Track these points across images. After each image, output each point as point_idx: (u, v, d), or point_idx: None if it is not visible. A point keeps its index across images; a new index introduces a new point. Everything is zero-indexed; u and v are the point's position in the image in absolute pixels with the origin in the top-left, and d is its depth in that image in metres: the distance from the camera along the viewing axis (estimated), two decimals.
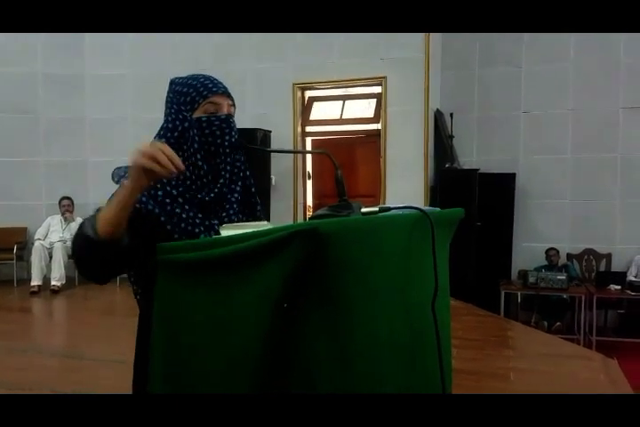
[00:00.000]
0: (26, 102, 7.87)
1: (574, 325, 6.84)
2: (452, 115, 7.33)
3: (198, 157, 1.44)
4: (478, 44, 7.66)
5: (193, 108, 1.45)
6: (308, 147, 7.99)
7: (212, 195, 1.45)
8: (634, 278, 6.91)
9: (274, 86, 7.63)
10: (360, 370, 1.13)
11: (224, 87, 1.49)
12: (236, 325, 1.13)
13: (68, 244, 7.30)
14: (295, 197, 7.70)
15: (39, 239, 7.40)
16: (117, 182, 1.40)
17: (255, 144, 6.15)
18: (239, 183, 1.52)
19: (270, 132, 7.40)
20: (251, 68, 7.68)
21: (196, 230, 1.40)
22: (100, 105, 8.00)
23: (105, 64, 7.97)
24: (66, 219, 7.50)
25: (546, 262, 7.33)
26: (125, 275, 1.46)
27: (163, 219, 1.38)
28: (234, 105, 1.51)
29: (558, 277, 6.77)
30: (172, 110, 1.47)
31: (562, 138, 7.48)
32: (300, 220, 7.48)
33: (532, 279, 6.85)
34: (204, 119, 1.45)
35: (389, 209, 1.24)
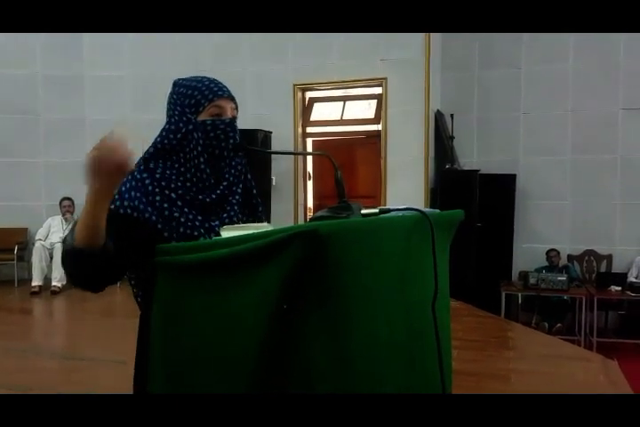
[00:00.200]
0: (26, 103, 7.87)
1: (575, 326, 6.84)
2: (452, 116, 7.33)
3: (201, 160, 1.44)
4: (478, 45, 7.66)
5: (197, 110, 1.45)
6: (309, 148, 7.99)
7: (214, 196, 1.45)
8: (634, 279, 6.91)
9: (274, 87, 7.63)
10: (360, 370, 1.13)
11: (228, 91, 1.49)
12: (236, 325, 1.13)
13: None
14: (296, 198, 7.70)
15: (40, 240, 7.41)
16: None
17: (256, 145, 6.14)
18: (240, 185, 1.52)
19: (271, 133, 7.40)
20: (251, 69, 7.68)
21: (196, 233, 1.40)
22: (100, 106, 8.00)
23: (104, 65, 7.97)
24: (66, 219, 7.50)
25: (546, 263, 7.32)
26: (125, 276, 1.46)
27: (159, 226, 1.38)
28: (237, 108, 1.51)
29: (559, 278, 6.76)
30: (176, 112, 1.47)
31: (562, 139, 7.48)
32: (300, 221, 7.48)
33: (532, 280, 6.84)
34: (208, 122, 1.45)
35: (389, 211, 1.25)
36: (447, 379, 1.27)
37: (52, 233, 7.50)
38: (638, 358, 6.07)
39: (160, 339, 1.25)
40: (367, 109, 7.77)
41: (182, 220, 1.40)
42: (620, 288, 6.74)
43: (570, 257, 7.50)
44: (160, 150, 1.46)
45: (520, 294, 7.04)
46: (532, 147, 7.59)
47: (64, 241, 1.29)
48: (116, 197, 1.36)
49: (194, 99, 1.45)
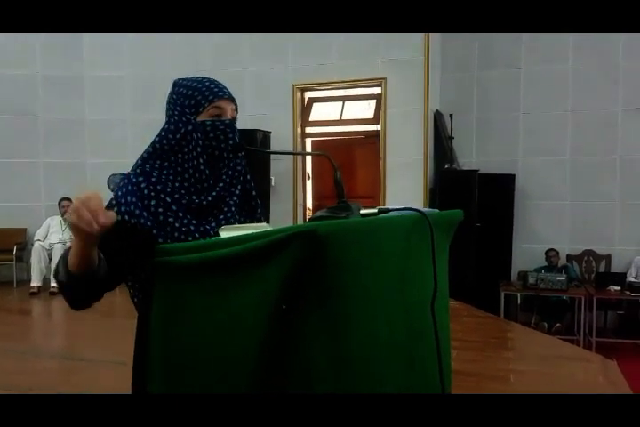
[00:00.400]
0: (25, 104, 7.87)
1: (574, 326, 6.84)
2: (451, 116, 7.33)
3: (201, 160, 1.44)
4: (477, 45, 7.66)
5: (197, 111, 1.45)
6: (308, 148, 7.99)
7: (210, 198, 1.44)
8: (633, 279, 6.91)
9: (273, 87, 7.63)
10: (359, 370, 1.13)
11: (229, 92, 1.49)
12: (236, 326, 1.13)
13: (68, 244, 7.27)
14: (295, 198, 7.70)
15: (39, 240, 7.40)
16: (113, 190, 1.40)
17: (255, 145, 6.14)
18: (239, 187, 1.51)
19: (270, 133, 7.41)
20: (250, 69, 7.68)
21: (190, 238, 1.39)
22: (100, 106, 8.00)
23: (104, 65, 7.97)
24: (65, 220, 7.48)
25: (545, 263, 7.33)
26: None
27: (155, 231, 1.37)
28: (237, 109, 1.51)
29: (558, 278, 6.77)
30: (176, 112, 1.46)
31: (561, 139, 7.49)
32: (299, 221, 7.48)
33: (531, 280, 6.84)
34: (208, 123, 1.44)
35: (388, 211, 1.25)
36: (446, 379, 1.27)
37: (50, 233, 7.49)
38: (637, 358, 6.08)
39: (160, 339, 1.25)
40: (366, 109, 7.77)
41: (177, 225, 1.39)
42: (619, 288, 6.75)
43: (569, 257, 7.51)
44: (159, 150, 1.45)
45: (519, 294, 7.05)
46: (531, 147, 7.60)
47: (56, 273, 1.30)
48: (113, 202, 1.36)
49: (194, 99, 1.45)
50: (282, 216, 7.25)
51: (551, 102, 7.51)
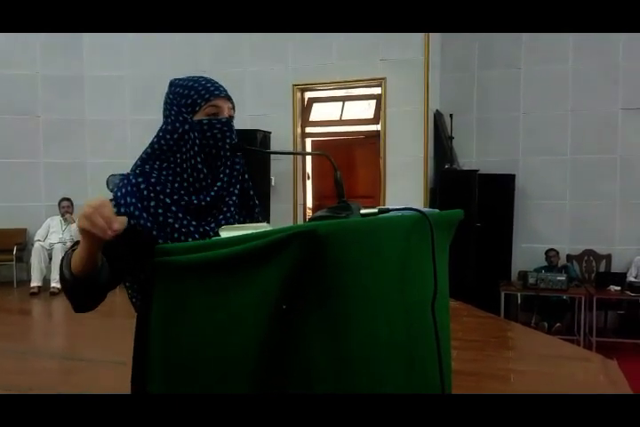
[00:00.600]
0: (25, 104, 7.87)
1: (574, 326, 6.84)
2: (451, 116, 7.34)
3: (198, 159, 1.44)
4: (477, 45, 7.66)
5: (194, 110, 1.45)
6: (308, 148, 7.99)
7: (209, 198, 1.44)
8: (633, 279, 6.91)
9: (273, 87, 7.63)
10: (359, 370, 1.13)
11: (225, 90, 1.49)
12: (236, 325, 1.13)
13: (68, 245, 7.29)
14: (295, 198, 7.70)
15: (39, 241, 7.40)
16: (112, 190, 1.40)
17: (255, 145, 6.15)
18: (237, 186, 1.51)
19: (270, 133, 7.40)
20: (250, 70, 7.68)
21: (190, 239, 1.39)
22: (100, 106, 8.01)
23: (104, 66, 7.97)
24: (65, 220, 7.50)
25: (545, 263, 7.33)
26: None
27: (155, 233, 1.37)
28: (234, 108, 1.51)
29: (558, 278, 6.77)
30: (172, 112, 1.46)
31: (561, 139, 7.49)
32: (299, 221, 7.48)
33: (531, 280, 6.85)
34: (205, 122, 1.44)
35: (388, 210, 1.24)
36: (447, 379, 1.27)
37: (50, 234, 7.49)
38: (637, 358, 6.08)
39: (160, 339, 1.25)
40: (366, 110, 7.77)
41: (177, 226, 1.39)
42: (619, 288, 6.75)
43: (569, 257, 7.51)
44: (157, 151, 1.45)
45: (519, 294, 7.05)
46: (531, 147, 7.60)
47: (60, 267, 1.30)
48: (113, 203, 1.36)
49: (190, 98, 1.45)
50: (282, 216, 7.25)
51: (551, 102, 7.51)
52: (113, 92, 8.02)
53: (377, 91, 7.46)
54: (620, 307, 7.09)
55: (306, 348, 1.07)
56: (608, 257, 7.39)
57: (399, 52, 7.10)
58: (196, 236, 1.40)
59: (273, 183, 7.56)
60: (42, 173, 7.95)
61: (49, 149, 7.95)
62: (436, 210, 1.38)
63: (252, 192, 1.58)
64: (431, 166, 7.30)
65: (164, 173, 1.43)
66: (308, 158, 7.94)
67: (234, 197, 1.49)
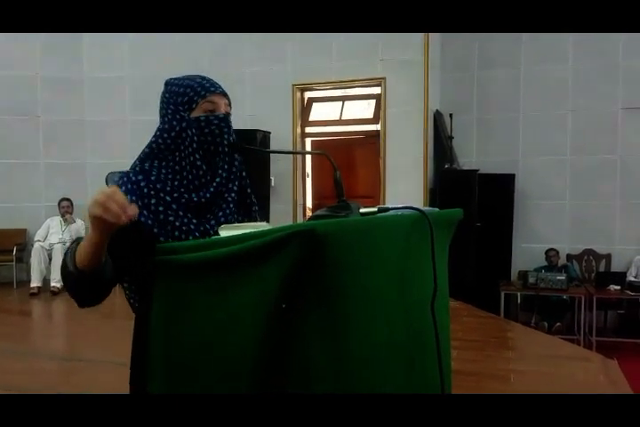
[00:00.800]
0: (25, 105, 7.87)
1: (574, 325, 6.84)
2: (451, 116, 7.33)
3: (197, 156, 1.44)
4: (477, 45, 7.66)
5: (191, 107, 1.45)
6: (308, 148, 7.99)
7: (208, 195, 1.44)
8: (633, 279, 6.91)
9: (273, 87, 7.63)
10: (359, 370, 1.13)
11: (221, 87, 1.49)
12: (235, 325, 1.13)
13: (68, 245, 7.28)
14: (294, 197, 7.70)
15: (39, 241, 7.39)
16: None
17: (254, 145, 6.15)
18: (236, 183, 1.51)
19: (270, 133, 7.40)
20: (250, 70, 7.68)
21: (190, 237, 1.39)
22: (99, 107, 8.00)
23: (104, 66, 7.97)
24: (65, 220, 7.50)
25: (545, 263, 7.32)
26: None
27: (156, 230, 1.37)
28: (230, 105, 1.51)
29: (558, 277, 6.76)
30: (169, 111, 1.46)
31: (561, 139, 7.48)
32: (299, 221, 7.48)
33: (531, 280, 6.84)
34: (202, 118, 1.44)
35: (388, 210, 1.24)
36: (446, 379, 1.27)
37: (50, 234, 7.49)
38: (637, 358, 6.07)
39: (160, 338, 1.25)
40: (366, 109, 7.76)
41: (177, 224, 1.39)
42: (619, 287, 6.74)
43: (569, 257, 7.50)
44: (155, 150, 1.45)
45: (519, 294, 7.04)
46: (531, 147, 7.59)
47: (63, 261, 1.28)
48: None
49: (186, 96, 1.45)
50: (282, 216, 7.25)
51: (551, 102, 7.51)
52: (113, 92, 8.02)
53: (377, 91, 7.46)
54: (620, 306, 7.08)
55: (305, 347, 1.07)
56: (608, 257, 7.38)
57: (399, 52, 7.10)
58: (197, 234, 1.40)
59: (273, 183, 7.56)
60: (42, 173, 7.95)
61: (49, 149, 7.95)
62: (436, 209, 1.38)
63: (249, 190, 1.58)
64: (431, 166, 7.30)
65: (164, 171, 1.43)
66: (308, 158, 7.94)
67: (232, 194, 1.49)
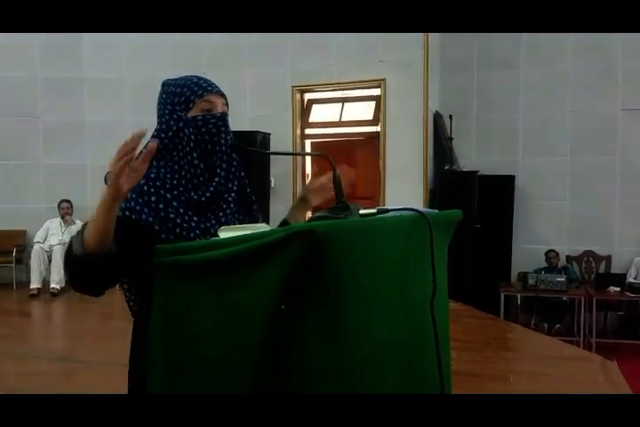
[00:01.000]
0: (25, 106, 7.87)
1: (574, 327, 6.83)
2: (451, 117, 7.33)
3: (195, 155, 1.44)
4: (477, 46, 7.66)
5: (188, 107, 1.45)
6: (308, 149, 7.99)
7: (208, 194, 1.44)
8: (633, 280, 6.90)
9: (273, 89, 7.63)
10: (359, 370, 1.13)
11: (217, 87, 1.50)
12: (237, 325, 1.13)
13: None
14: (294, 199, 7.68)
15: (38, 242, 7.39)
16: None
17: (254, 146, 6.15)
18: (235, 182, 1.51)
19: (269, 134, 7.40)
20: (250, 71, 7.69)
21: (192, 235, 1.40)
22: (99, 108, 8.00)
23: (104, 67, 7.97)
24: (65, 222, 7.50)
25: (545, 264, 7.31)
26: None
27: (157, 227, 1.37)
28: (227, 105, 1.51)
29: (558, 279, 6.76)
30: (166, 111, 1.47)
31: (561, 140, 7.48)
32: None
33: (531, 281, 6.83)
34: (199, 118, 1.45)
35: (387, 211, 1.25)
36: (446, 379, 1.27)
37: (50, 235, 7.49)
38: (637, 359, 6.07)
39: (160, 338, 1.25)
40: (366, 111, 7.77)
41: (178, 221, 1.39)
42: (618, 289, 6.74)
43: (569, 258, 7.50)
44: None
45: (519, 295, 7.04)
46: (530, 148, 7.59)
47: (69, 247, 1.26)
48: None
49: (183, 96, 1.46)
50: (281, 217, 7.13)
51: (551, 103, 7.50)
52: (113, 93, 8.01)
53: (376, 92, 7.46)
54: (620, 308, 7.08)
55: (305, 347, 1.07)
56: (608, 258, 7.38)
57: (398, 53, 7.10)
58: (197, 232, 1.41)
59: (272, 184, 7.56)
60: (42, 174, 7.95)
61: (49, 150, 7.95)
62: (435, 210, 1.38)
63: (248, 190, 1.58)
64: (431, 167, 7.30)
65: (162, 170, 1.44)
66: (308, 159, 7.94)
67: (232, 194, 1.50)
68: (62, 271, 7.08)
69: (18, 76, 7.82)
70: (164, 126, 1.46)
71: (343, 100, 7.93)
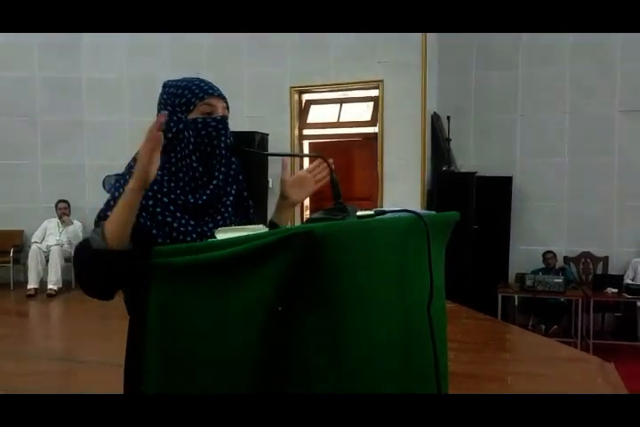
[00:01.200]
0: (24, 106, 7.86)
1: (571, 328, 6.84)
2: (449, 118, 7.34)
3: (193, 158, 1.44)
4: (475, 47, 7.67)
5: (188, 109, 1.45)
6: (306, 150, 7.98)
7: (205, 197, 1.44)
8: (630, 281, 6.91)
9: (271, 89, 7.63)
10: (359, 370, 1.14)
11: (219, 90, 1.50)
12: (234, 326, 1.13)
13: (65, 247, 7.28)
14: None
15: (36, 242, 7.38)
16: (108, 191, 1.39)
17: (252, 147, 6.15)
18: (234, 186, 1.51)
19: (267, 135, 7.40)
20: (248, 72, 7.68)
21: (188, 239, 1.39)
22: (98, 108, 8.00)
23: (102, 67, 7.97)
24: (63, 222, 7.49)
25: (543, 265, 7.32)
26: None
27: (154, 231, 1.37)
28: (228, 108, 1.51)
29: (555, 280, 6.76)
30: (166, 112, 1.46)
31: (559, 141, 7.49)
32: (297, 223, 7.47)
33: (529, 282, 6.84)
34: (199, 120, 1.45)
35: (385, 212, 1.25)
36: (442, 379, 1.28)
37: (47, 235, 7.48)
38: (634, 361, 6.08)
39: (157, 340, 1.25)
40: (364, 112, 7.77)
41: (175, 225, 1.39)
42: (616, 290, 6.74)
43: (566, 259, 7.51)
44: None
45: (517, 296, 7.04)
46: (529, 149, 7.60)
47: (85, 244, 1.27)
48: (111, 203, 1.35)
49: (184, 98, 1.45)
50: None
51: (549, 104, 7.51)
52: (111, 93, 8.00)
53: (374, 93, 7.46)
54: (617, 309, 7.09)
55: (305, 347, 1.08)
56: (605, 259, 7.39)
57: (397, 54, 7.11)
58: (194, 235, 1.40)
59: (270, 185, 7.55)
60: (40, 174, 7.94)
61: (47, 150, 7.93)
62: (432, 212, 1.38)
63: (246, 193, 1.58)
64: (429, 168, 7.30)
65: (160, 172, 1.43)
66: (306, 160, 7.93)
67: (231, 198, 1.50)
68: (59, 272, 7.07)
69: (17, 76, 7.81)
70: (163, 127, 1.46)
71: (341, 101, 7.92)
